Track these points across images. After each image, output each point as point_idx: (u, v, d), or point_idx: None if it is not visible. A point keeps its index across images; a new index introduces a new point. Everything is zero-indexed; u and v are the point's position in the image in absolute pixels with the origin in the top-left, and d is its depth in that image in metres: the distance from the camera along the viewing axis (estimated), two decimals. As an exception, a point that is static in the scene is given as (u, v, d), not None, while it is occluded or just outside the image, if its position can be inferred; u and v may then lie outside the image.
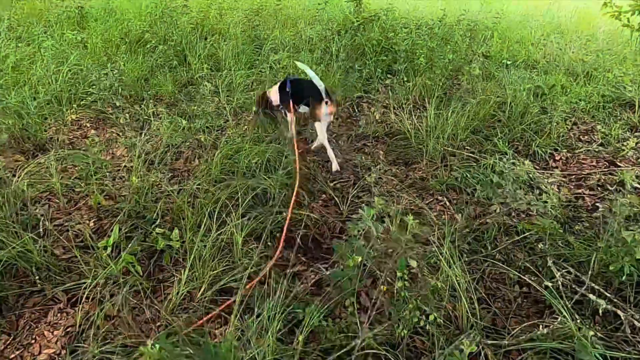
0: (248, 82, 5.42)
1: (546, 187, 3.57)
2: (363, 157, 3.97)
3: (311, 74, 3.78)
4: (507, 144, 4.18)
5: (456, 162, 3.89)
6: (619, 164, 4.06)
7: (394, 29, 7.11)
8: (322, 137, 3.92)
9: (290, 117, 4.06)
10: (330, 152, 3.89)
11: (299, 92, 3.97)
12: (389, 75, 5.82)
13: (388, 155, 4.08)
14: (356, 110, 5.04)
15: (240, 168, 3.52)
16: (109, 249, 2.51)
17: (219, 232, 2.74)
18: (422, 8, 10.32)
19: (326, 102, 3.77)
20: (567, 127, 4.59)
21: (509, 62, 6.67)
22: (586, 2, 13.64)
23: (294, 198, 3.11)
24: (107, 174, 3.53)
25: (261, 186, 3.27)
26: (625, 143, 4.40)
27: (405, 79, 5.54)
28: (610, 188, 3.66)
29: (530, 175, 3.75)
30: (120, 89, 4.87)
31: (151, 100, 4.89)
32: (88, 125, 4.46)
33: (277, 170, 3.50)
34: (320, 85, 3.76)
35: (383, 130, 4.42)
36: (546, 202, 3.17)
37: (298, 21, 8.07)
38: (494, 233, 3.02)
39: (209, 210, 2.93)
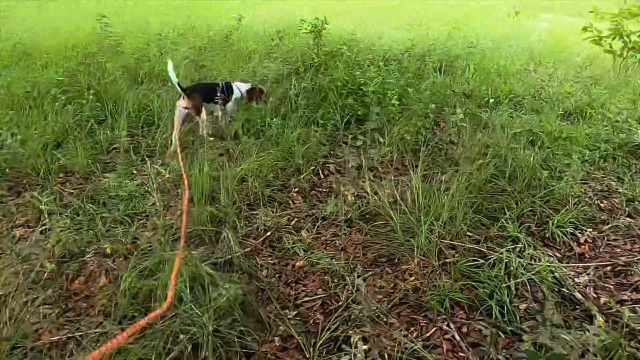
0: (186, 144, 4.35)
1: (582, 298, 2.65)
2: (334, 261, 2.95)
3: (169, 69, 4.33)
4: (517, 224, 3.26)
5: (458, 258, 2.92)
6: (658, 244, 3.19)
7: (360, 66, 6.22)
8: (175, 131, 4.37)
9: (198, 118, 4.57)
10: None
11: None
12: (359, 127, 4.88)
13: (367, 250, 3.08)
14: (322, 176, 4.04)
15: (159, 300, 2.44)
16: None
17: None
18: (386, 37, 9.54)
19: (183, 98, 4.37)
20: (582, 191, 3.73)
21: (491, 100, 5.85)
22: (551, 23, 13.27)
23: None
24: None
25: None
26: (658, 212, 3.56)
27: (377, 133, 4.58)
28: (661, 287, 2.77)
29: (556, 274, 2.83)
30: (6, 167, 3.71)
31: (55, 179, 3.77)
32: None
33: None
34: (174, 81, 4.30)
35: (357, 210, 3.42)
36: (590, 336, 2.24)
37: (252, 56, 7.08)
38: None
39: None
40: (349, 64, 6.29)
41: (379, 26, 10.36)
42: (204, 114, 4.47)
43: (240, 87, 4.85)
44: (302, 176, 3.89)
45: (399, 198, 3.38)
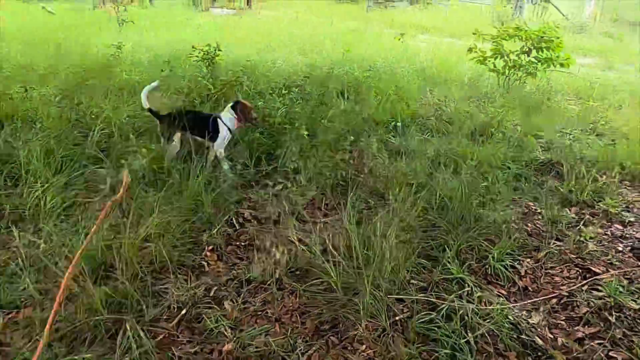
0: (67, 202, 3.55)
1: (542, 343, 2.46)
2: (270, 337, 2.45)
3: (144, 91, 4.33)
4: (457, 262, 3.03)
5: (409, 314, 2.60)
6: (591, 267, 3.16)
7: (261, 95, 5.81)
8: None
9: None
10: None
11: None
12: (270, 163, 4.44)
13: (305, 317, 2.63)
14: (237, 226, 3.53)
15: None
16: None
17: None
18: (280, 62, 9.27)
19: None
20: (511, 217, 3.65)
21: (399, 124, 5.78)
22: (428, 44, 14.03)
23: None
24: None
25: None
26: (580, 232, 3.58)
27: (292, 170, 4.18)
28: (608, 317, 2.68)
29: (510, 317, 2.62)
30: None
31: None
32: None
33: None
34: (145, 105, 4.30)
35: (286, 267, 2.97)
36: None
37: (139, 89, 6.31)
38: None
39: None
40: (249, 93, 5.86)
41: (273, 52, 10.07)
42: (172, 145, 4.18)
43: (226, 115, 4.34)
44: (214, 230, 3.34)
45: (331, 247, 3.00)
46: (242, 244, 3.32)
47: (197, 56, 6.48)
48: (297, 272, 2.96)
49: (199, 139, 4.29)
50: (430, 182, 3.98)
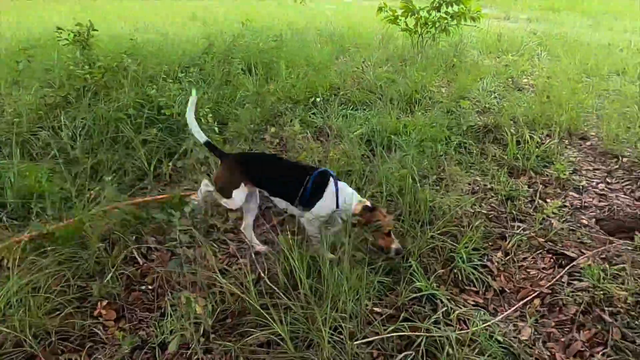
0: None
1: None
2: None
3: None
4: (422, 272, 2.49)
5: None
6: (564, 251, 2.78)
7: (153, 80, 4.83)
8: None
9: None
10: None
11: None
12: (176, 170, 3.59)
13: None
14: (139, 261, 2.70)
15: None
16: None
17: None
18: (172, 34, 8.13)
19: None
20: (471, 205, 3.18)
21: (318, 99, 5.13)
22: (337, 5, 13.42)
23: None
24: None
25: None
26: (541, 208, 3.21)
27: (202, 172, 3.39)
28: (601, 314, 2.30)
29: (497, 336, 2.14)
30: None
31: None
32: None
33: None
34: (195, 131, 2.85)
35: (212, 318, 2.24)
36: None
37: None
38: None
39: None
40: (138, 80, 4.85)
41: (159, 26, 8.85)
42: (235, 201, 2.69)
43: (346, 191, 2.61)
44: (108, 275, 2.50)
45: (267, 280, 2.31)
46: (149, 287, 2.52)
47: (66, 39, 5.26)
48: (228, 322, 2.24)
49: (277, 200, 2.75)
50: (369, 169, 3.41)
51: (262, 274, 2.34)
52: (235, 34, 6.81)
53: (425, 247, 2.66)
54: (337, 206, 2.55)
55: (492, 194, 3.40)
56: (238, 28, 7.86)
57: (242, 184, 2.66)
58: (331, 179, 2.59)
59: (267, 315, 2.07)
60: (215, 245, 2.78)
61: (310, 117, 4.68)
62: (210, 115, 4.05)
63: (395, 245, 2.49)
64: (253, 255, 2.54)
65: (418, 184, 3.19)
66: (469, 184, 3.54)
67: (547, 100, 4.74)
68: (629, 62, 7.15)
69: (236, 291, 2.25)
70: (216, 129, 3.96)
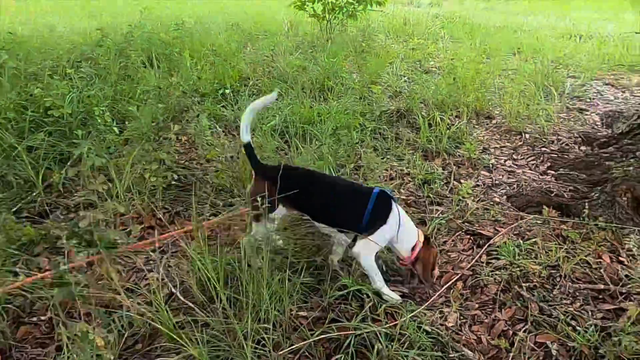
0: None
1: (470, 353, 2.00)
2: None
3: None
4: (346, 267, 2.40)
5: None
6: (481, 231, 2.83)
7: (38, 78, 4.30)
8: None
9: None
10: None
11: None
12: (76, 181, 3.20)
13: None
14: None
15: None
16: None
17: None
18: (62, 29, 7.40)
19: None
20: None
21: (227, 91, 4.88)
22: None
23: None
24: None
25: None
26: (456, 189, 3.25)
27: (97, 179, 3.03)
28: (519, 291, 2.35)
29: (426, 327, 2.12)
30: None
31: None
32: None
33: None
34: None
35: (119, 346, 1.98)
36: None
37: None
38: None
39: None
40: (18, 77, 4.29)
41: (46, 17, 8.01)
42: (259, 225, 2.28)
43: (406, 216, 2.33)
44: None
45: (179, 295, 2.09)
46: (42, 318, 2.19)
47: None
48: (138, 348, 2.00)
49: (322, 226, 2.36)
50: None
51: (174, 289, 2.12)
52: (133, 24, 6.30)
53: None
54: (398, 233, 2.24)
55: (410, 179, 3.41)
56: (137, 18, 7.31)
57: (280, 206, 2.28)
58: (393, 202, 2.28)
59: (182, 335, 1.86)
60: (121, 259, 2.50)
61: (219, 110, 4.43)
62: (108, 114, 3.69)
63: (437, 272, 2.34)
64: (161, 270, 2.30)
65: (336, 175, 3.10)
66: (386, 170, 3.52)
67: (454, 82, 4.86)
68: (523, 41, 7.61)
69: (145, 311, 2.01)
70: (115, 129, 3.61)
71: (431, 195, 3.18)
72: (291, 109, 4.34)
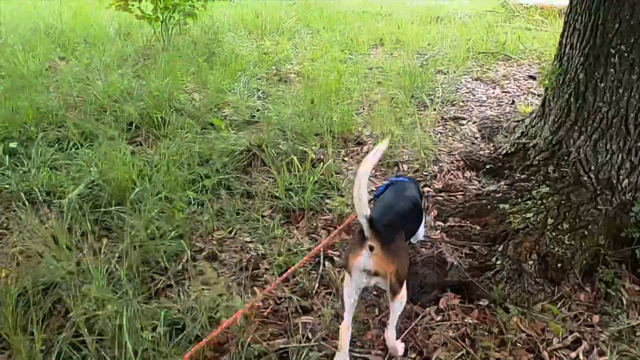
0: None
1: None
2: None
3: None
4: None
5: None
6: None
7: None
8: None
9: None
10: None
11: None
12: None
13: None
14: None
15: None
16: None
17: None
18: None
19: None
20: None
21: (13, 145, 3.53)
22: None
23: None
24: None
25: None
26: (327, 279, 2.42)
27: None
28: None
29: None
30: None
31: None
32: None
33: None
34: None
35: None
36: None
37: None
38: None
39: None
40: None
41: None
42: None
43: None
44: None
45: None
46: None
47: None
48: None
49: None
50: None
51: None
52: None
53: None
54: None
55: (266, 266, 2.49)
56: None
57: None
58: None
59: None
60: None
61: (-2, 177, 3.10)
62: None
63: None
64: None
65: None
66: (236, 252, 2.58)
67: (313, 106, 4.02)
68: (385, 30, 7.05)
69: None
70: None
71: (298, 299, 2.29)
72: (106, 163, 3.17)
